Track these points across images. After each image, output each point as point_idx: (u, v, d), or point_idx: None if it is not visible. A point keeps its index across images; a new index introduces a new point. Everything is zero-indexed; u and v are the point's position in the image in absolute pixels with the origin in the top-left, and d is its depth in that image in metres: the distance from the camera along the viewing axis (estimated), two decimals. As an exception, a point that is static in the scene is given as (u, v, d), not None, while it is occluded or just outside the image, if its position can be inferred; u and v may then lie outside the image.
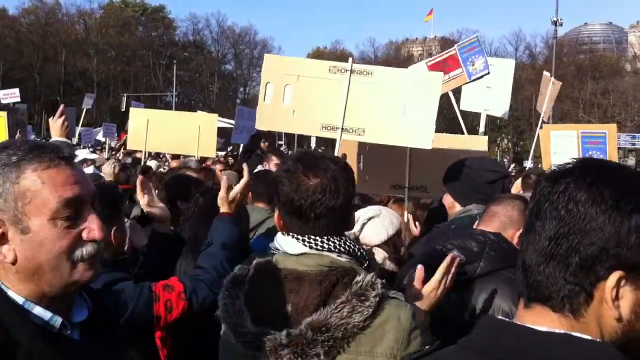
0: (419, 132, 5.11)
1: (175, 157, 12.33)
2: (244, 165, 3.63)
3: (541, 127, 7.79)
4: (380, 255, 4.16)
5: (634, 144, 40.62)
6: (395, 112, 5.15)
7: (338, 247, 2.20)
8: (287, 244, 2.24)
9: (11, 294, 1.54)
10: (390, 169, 5.93)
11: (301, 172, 2.21)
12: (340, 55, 77.63)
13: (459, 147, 5.90)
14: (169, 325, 3.03)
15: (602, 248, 1.23)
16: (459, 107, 10.87)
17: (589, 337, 1.25)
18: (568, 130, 7.03)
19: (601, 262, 1.24)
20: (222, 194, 3.36)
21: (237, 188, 3.38)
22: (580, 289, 1.25)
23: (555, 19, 34.07)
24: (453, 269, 2.69)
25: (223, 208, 3.34)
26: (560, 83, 11.50)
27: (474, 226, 3.30)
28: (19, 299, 1.54)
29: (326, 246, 2.19)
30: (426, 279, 2.66)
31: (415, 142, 5.18)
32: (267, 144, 11.80)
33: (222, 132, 18.20)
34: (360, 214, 4.16)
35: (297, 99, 5.28)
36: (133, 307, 2.84)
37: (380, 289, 2.11)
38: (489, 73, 9.54)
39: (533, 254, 1.30)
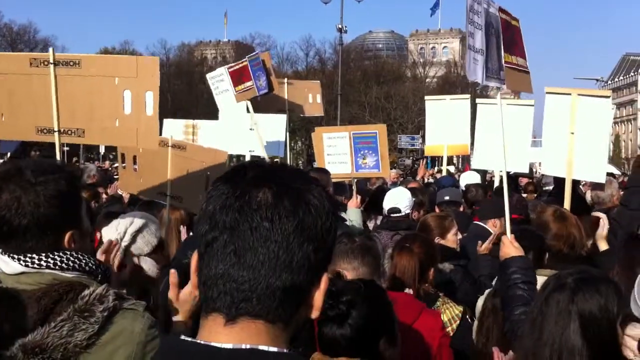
0: (141, 131, 4.59)
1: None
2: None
3: (313, 130, 7.97)
4: (148, 264, 4.00)
5: (413, 145, 43.96)
6: (114, 107, 4.58)
7: (60, 263, 2.06)
8: (4, 264, 2.07)
9: None
10: (159, 175, 5.62)
11: None
12: (130, 57, 75.03)
13: (203, 158, 5.76)
14: None
15: (329, 251, 1.30)
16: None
17: (274, 350, 1.21)
18: (340, 132, 7.22)
19: (324, 263, 1.30)
20: None
21: None
22: (311, 286, 1.29)
23: (340, 26, 35.66)
24: None
25: None
26: (318, 82, 11.91)
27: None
28: None
29: (44, 263, 2.05)
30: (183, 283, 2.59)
31: (139, 141, 4.67)
32: (37, 153, 10.97)
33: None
34: (127, 224, 3.96)
35: (3, 100, 4.57)
36: None
37: (111, 302, 1.99)
38: (272, 90, 9.60)
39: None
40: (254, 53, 10.45)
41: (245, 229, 1.20)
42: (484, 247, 5.50)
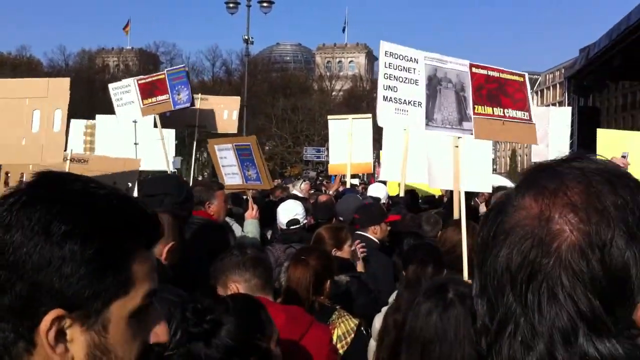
0: (47, 147, 4.68)
1: None
2: None
3: (207, 142, 7.84)
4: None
5: (318, 157, 44.31)
6: (23, 127, 4.68)
7: None
8: None
9: None
10: None
11: None
12: (27, 63, 71.89)
13: (113, 169, 5.66)
14: None
15: (32, 283, 1.02)
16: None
17: None
18: (226, 144, 7.08)
19: (36, 300, 1.02)
20: None
21: None
22: (17, 336, 1.03)
23: (246, 37, 35.55)
24: None
25: None
26: (238, 98, 11.78)
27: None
28: None
29: None
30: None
31: (43, 157, 4.69)
32: None
33: None
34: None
35: None
36: None
37: None
38: (193, 105, 9.44)
39: None
40: (178, 66, 10.25)
41: None
42: None
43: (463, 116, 5.01)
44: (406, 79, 4.79)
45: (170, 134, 10.38)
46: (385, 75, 4.79)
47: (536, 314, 0.99)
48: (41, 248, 1.02)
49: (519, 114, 5.23)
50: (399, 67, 4.80)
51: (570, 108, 11.66)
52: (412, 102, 4.79)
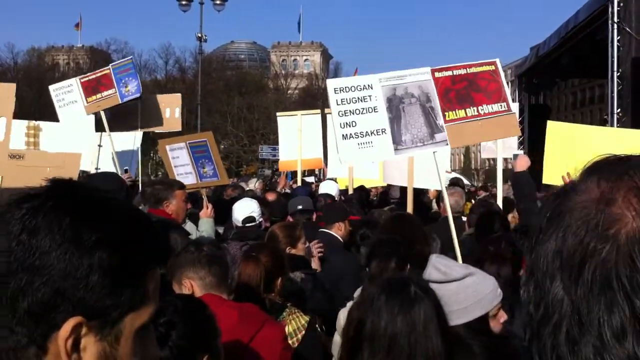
0: None
1: None
2: None
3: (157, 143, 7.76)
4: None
5: (274, 155, 44.20)
6: None
7: None
8: None
9: None
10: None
11: None
12: (-26, 61, 70.03)
13: (50, 165, 5.59)
14: None
15: (56, 289, 1.00)
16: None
17: None
18: (178, 143, 6.98)
19: (56, 307, 1.01)
20: None
21: None
22: (30, 341, 1.00)
23: (199, 34, 35.29)
24: None
25: None
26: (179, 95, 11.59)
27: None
28: None
29: None
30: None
31: None
32: None
33: None
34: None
35: None
36: None
37: None
38: (141, 97, 9.34)
39: None
40: (124, 59, 10.13)
41: None
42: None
43: (434, 128, 4.76)
44: (363, 109, 4.58)
45: (137, 136, 10.26)
46: (340, 112, 4.58)
47: (585, 304, 0.90)
48: (71, 255, 1.01)
49: (496, 107, 4.95)
50: (353, 100, 4.58)
51: (517, 104, 11.86)
52: (374, 132, 4.58)
